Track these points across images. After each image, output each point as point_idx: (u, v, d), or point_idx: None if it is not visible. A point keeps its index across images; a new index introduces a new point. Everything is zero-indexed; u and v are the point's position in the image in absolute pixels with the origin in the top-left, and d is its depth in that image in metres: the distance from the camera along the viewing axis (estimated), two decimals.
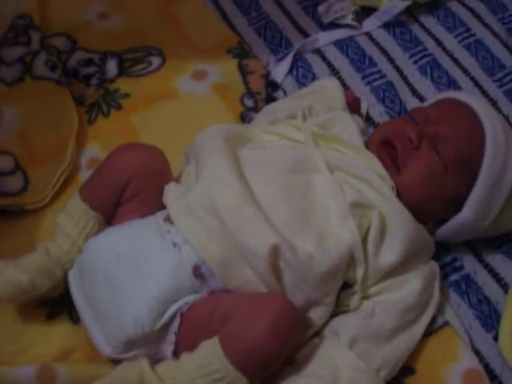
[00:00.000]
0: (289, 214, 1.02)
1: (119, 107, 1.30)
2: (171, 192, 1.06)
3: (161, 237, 1.02)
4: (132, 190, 1.07)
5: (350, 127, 1.15)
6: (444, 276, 1.14)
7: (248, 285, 1.00)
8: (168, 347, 0.99)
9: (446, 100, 1.18)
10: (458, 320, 1.10)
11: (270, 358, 0.94)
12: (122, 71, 1.36)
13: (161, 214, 1.05)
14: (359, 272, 1.03)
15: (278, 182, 1.05)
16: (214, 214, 1.00)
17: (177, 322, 0.99)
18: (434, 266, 1.11)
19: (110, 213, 1.08)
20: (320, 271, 0.99)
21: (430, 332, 1.08)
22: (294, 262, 0.98)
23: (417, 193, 1.08)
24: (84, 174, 1.21)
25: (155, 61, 1.37)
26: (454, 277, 1.15)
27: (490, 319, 1.12)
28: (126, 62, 1.37)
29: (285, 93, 1.34)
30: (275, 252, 0.97)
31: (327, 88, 1.28)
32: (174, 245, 1.00)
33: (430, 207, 1.10)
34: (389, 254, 1.04)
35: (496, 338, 1.10)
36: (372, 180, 1.07)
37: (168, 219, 1.04)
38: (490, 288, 1.15)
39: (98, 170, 1.09)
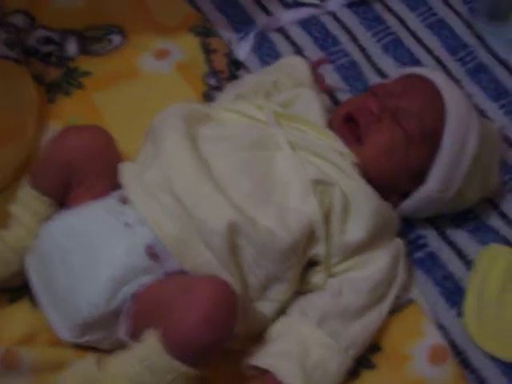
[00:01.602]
0: (249, 189, 1.02)
1: (80, 86, 1.28)
2: (126, 171, 1.06)
3: (113, 218, 1.01)
4: (79, 173, 1.05)
5: (313, 105, 1.15)
6: (408, 253, 1.15)
7: (204, 265, 0.99)
8: (121, 330, 0.98)
9: (407, 75, 1.20)
10: (423, 297, 1.12)
11: (207, 346, 0.91)
12: (83, 49, 1.33)
13: (114, 196, 1.05)
14: (321, 249, 1.04)
15: (239, 158, 1.05)
16: (170, 192, 1.00)
17: (129, 303, 0.97)
18: (400, 242, 1.12)
19: (60, 196, 1.07)
20: (280, 246, 0.99)
21: (395, 309, 1.09)
22: (254, 237, 0.98)
23: (380, 165, 1.09)
24: None
25: (116, 39, 1.35)
26: (418, 254, 1.16)
27: (454, 296, 1.13)
28: (87, 40, 1.34)
29: (249, 72, 1.33)
30: (233, 228, 0.97)
31: (293, 65, 1.27)
32: (127, 225, 0.99)
33: (393, 179, 1.11)
34: (354, 231, 1.05)
35: (459, 315, 1.11)
36: (333, 158, 1.07)
37: (121, 200, 1.03)
38: (454, 265, 1.16)
39: (43, 156, 1.09)
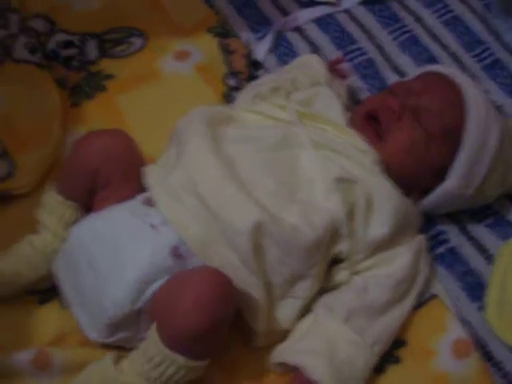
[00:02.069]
0: (273, 187, 1.05)
1: (103, 89, 1.30)
2: (151, 174, 1.08)
3: (139, 220, 1.03)
4: (103, 177, 1.07)
5: (332, 104, 1.17)
6: (430, 249, 1.16)
7: (227, 266, 1.00)
8: (144, 328, 1.00)
9: (426, 73, 1.22)
10: (445, 292, 1.13)
11: (200, 334, 0.93)
12: (103, 52, 1.35)
13: (138, 198, 1.07)
14: (345, 246, 1.05)
15: (262, 158, 1.07)
16: (195, 194, 1.02)
17: (149, 303, 1.00)
18: (422, 239, 1.14)
19: (86, 201, 1.09)
20: (305, 243, 1.01)
21: (418, 304, 1.11)
22: (278, 234, 1.00)
23: (401, 162, 1.11)
24: None
25: (136, 41, 1.36)
26: (439, 250, 1.18)
27: (476, 290, 1.14)
28: (107, 43, 1.36)
29: (268, 72, 1.34)
30: (258, 228, 0.99)
31: (310, 63, 1.29)
32: (152, 226, 1.01)
33: (415, 176, 1.13)
34: (377, 228, 1.07)
35: (481, 309, 1.12)
36: (355, 156, 1.09)
37: (147, 202, 1.05)
38: (475, 260, 1.18)
39: (67, 162, 1.11)
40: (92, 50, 1.35)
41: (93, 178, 1.07)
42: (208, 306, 0.92)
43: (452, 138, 1.13)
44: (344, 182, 1.06)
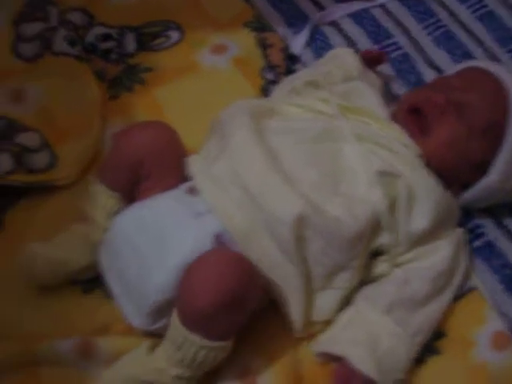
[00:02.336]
0: (316, 179, 1.06)
1: (142, 82, 1.32)
2: (195, 164, 1.10)
3: (184, 207, 1.04)
4: (146, 169, 1.09)
5: (372, 98, 1.18)
6: (467, 242, 1.17)
7: (267, 256, 1.02)
8: None
9: (468, 68, 1.23)
10: (483, 284, 1.14)
11: (214, 312, 0.94)
12: (141, 46, 1.36)
13: (183, 187, 1.08)
14: (386, 239, 1.07)
15: (305, 150, 1.08)
16: (239, 184, 1.04)
17: None
18: (460, 232, 1.15)
19: (128, 191, 1.10)
20: (347, 234, 1.03)
21: (457, 297, 1.12)
22: (322, 226, 1.01)
23: (443, 157, 1.13)
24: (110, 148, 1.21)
25: (174, 35, 1.38)
26: (476, 243, 1.19)
27: None
28: (145, 37, 1.37)
29: (304, 66, 1.35)
30: (301, 220, 1.00)
31: (342, 55, 1.29)
32: (197, 214, 1.03)
33: (456, 171, 1.15)
34: (419, 221, 1.08)
35: None
36: (397, 149, 1.11)
37: (190, 191, 1.06)
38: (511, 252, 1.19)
39: (110, 153, 1.13)
40: (130, 43, 1.36)
41: (136, 169, 1.09)
42: (221, 284, 0.94)
43: (494, 133, 1.14)
44: (386, 176, 1.07)
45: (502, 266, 1.17)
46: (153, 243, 1.02)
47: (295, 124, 1.12)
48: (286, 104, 1.16)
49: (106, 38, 1.37)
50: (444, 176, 1.12)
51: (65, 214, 1.15)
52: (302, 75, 1.27)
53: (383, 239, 1.07)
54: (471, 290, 1.14)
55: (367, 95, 1.19)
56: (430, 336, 1.08)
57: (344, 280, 1.05)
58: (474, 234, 1.20)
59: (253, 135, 1.06)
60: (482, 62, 1.26)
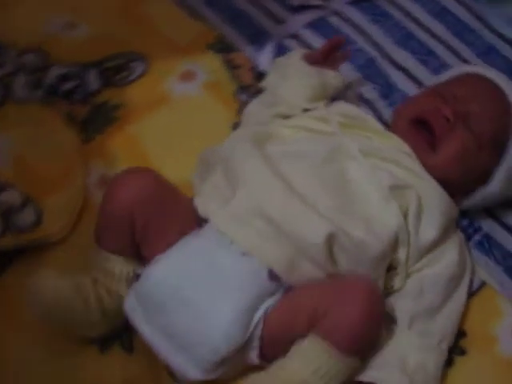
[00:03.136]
0: (332, 202, 1.05)
1: (115, 120, 1.27)
2: (208, 206, 1.06)
3: (225, 249, 1.01)
4: (144, 221, 1.05)
5: (362, 112, 1.19)
6: (467, 238, 1.19)
7: (311, 276, 1.02)
8: (253, 353, 1.00)
9: (466, 75, 1.23)
10: (491, 278, 1.16)
11: (372, 336, 1.00)
12: (105, 82, 1.31)
13: (211, 227, 1.04)
14: (403, 252, 1.08)
15: (315, 173, 1.08)
16: (261, 215, 1.02)
17: (260, 327, 0.99)
18: (458, 232, 1.17)
19: (135, 248, 1.07)
20: (373, 255, 1.04)
21: (471, 294, 1.14)
22: (348, 247, 1.02)
23: (452, 170, 1.13)
24: (96, 194, 1.19)
25: (138, 66, 1.33)
26: (476, 238, 1.21)
27: None
28: (107, 72, 1.33)
29: None
30: (330, 239, 1.00)
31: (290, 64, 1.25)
32: (243, 254, 1.01)
33: (461, 182, 1.15)
34: (428, 231, 1.09)
35: None
36: (402, 160, 1.12)
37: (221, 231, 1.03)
38: (509, 242, 1.21)
39: (100, 214, 1.08)
40: (93, 80, 1.31)
41: (132, 225, 1.04)
42: (378, 311, 0.99)
43: (498, 144, 1.16)
44: (397, 189, 1.08)
45: (503, 257, 1.20)
46: (204, 291, 0.99)
47: (300, 147, 1.11)
48: (282, 127, 1.15)
49: (66, 77, 1.31)
50: (448, 185, 1.13)
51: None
52: (280, 96, 1.21)
53: (400, 253, 1.07)
54: (482, 285, 1.15)
55: (358, 110, 1.19)
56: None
57: None
58: (472, 229, 1.21)
59: (263, 163, 1.05)
60: (478, 68, 1.27)
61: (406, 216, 1.07)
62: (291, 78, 1.22)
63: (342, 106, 1.20)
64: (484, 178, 1.17)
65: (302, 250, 1.01)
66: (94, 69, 1.33)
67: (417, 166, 1.11)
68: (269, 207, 1.02)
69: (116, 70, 1.33)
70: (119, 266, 1.06)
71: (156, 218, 1.06)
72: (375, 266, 1.04)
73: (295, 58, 1.24)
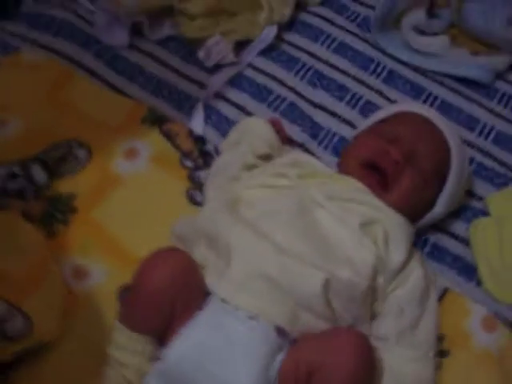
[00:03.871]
0: (316, 252, 1.14)
1: (73, 210, 1.29)
2: (211, 279, 1.13)
3: (232, 316, 1.09)
4: (175, 302, 1.10)
5: (311, 160, 1.29)
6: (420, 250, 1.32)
7: (311, 325, 1.11)
8: None
9: (405, 115, 1.33)
10: (450, 282, 1.29)
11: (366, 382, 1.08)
12: (52, 174, 1.32)
13: (215, 298, 1.11)
14: (381, 280, 1.18)
15: (293, 228, 1.17)
16: (260, 277, 1.10)
17: (274, 382, 1.08)
18: (416, 249, 1.28)
19: (161, 329, 1.11)
20: (361, 290, 1.14)
21: (438, 300, 1.25)
22: (340, 288, 1.11)
23: (404, 205, 1.24)
24: (75, 286, 1.21)
25: (80, 153, 1.35)
26: (426, 250, 1.33)
27: (469, 271, 1.32)
28: (51, 163, 1.33)
29: (212, 143, 1.39)
30: (326, 286, 1.10)
31: (253, 127, 1.36)
32: (251, 317, 1.09)
33: (412, 212, 1.26)
34: (397, 255, 1.20)
35: (479, 284, 1.31)
36: (362, 198, 1.22)
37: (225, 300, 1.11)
38: (454, 247, 1.34)
39: (134, 297, 1.12)
40: (38, 174, 1.32)
41: (166, 307, 1.10)
42: (370, 359, 1.08)
43: (441, 175, 1.29)
44: (365, 226, 1.18)
45: (453, 261, 1.33)
46: (224, 363, 1.06)
47: (270, 206, 1.19)
48: (247, 189, 1.22)
49: (11, 176, 1.30)
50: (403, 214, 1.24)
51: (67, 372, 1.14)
52: (227, 162, 1.31)
53: (378, 281, 1.17)
54: (445, 290, 1.28)
55: (306, 157, 1.29)
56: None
57: (365, 331, 1.15)
58: (421, 241, 1.34)
59: (245, 228, 1.13)
60: (409, 106, 1.39)
61: (377, 247, 1.18)
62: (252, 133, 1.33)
63: (290, 156, 1.29)
64: (431, 203, 1.30)
65: (301, 301, 1.10)
66: (35, 163, 1.33)
67: (375, 201, 1.22)
68: (266, 267, 1.10)
69: (59, 160, 1.34)
70: (143, 345, 1.10)
71: (185, 296, 1.11)
72: (364, 301, 1.15)
73: None
